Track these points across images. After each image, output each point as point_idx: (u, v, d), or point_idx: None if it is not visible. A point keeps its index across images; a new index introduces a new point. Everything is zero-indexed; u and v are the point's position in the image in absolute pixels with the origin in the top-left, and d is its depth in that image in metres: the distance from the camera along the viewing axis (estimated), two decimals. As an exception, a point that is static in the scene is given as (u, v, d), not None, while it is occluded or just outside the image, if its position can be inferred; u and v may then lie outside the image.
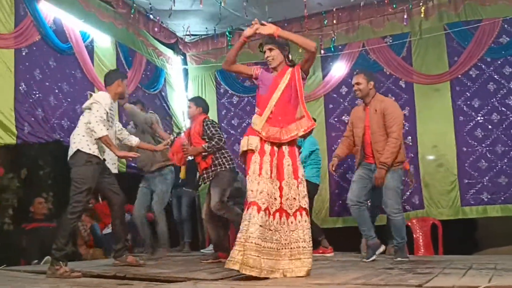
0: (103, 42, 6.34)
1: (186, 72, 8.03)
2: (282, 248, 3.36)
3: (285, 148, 3.52)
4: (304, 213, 3.44)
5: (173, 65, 7.83)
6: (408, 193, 6.41)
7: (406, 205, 6.42)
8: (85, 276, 3.71)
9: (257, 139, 3.47)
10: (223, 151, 4.93)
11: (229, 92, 7.73)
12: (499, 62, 6.22)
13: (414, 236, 5.99)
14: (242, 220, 3.31)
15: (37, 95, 5.22)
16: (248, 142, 3.49)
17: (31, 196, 5.71)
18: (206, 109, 5.17)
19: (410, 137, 6.51)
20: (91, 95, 4.08)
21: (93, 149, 3.93)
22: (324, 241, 5.55)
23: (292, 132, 3.50)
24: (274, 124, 3.50)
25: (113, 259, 4.38)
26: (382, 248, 4.68)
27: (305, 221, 3.43)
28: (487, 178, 6.13)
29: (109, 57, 6.42)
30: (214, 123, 5.00)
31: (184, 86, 7.98)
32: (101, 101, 3.97)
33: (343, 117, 6.83)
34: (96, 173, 3.95)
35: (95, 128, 3.88)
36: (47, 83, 5.38)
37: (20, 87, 5.05)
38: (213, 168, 4.85)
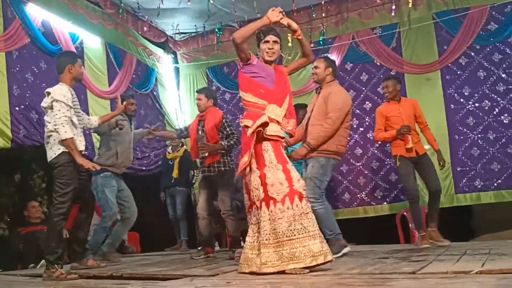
0: (93, 43, 6.33)
1: (177, 70, 8.02)
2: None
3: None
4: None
5: (163, 64, 7.81)
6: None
7: (401, 194, 6.45)
8: (82, 277, 3.71)
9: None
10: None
11: (221, 89, 7.73)
12: (488, 49, 6.25)
13: (410, 225, 6.01)
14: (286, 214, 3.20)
15: (31, 98, 5.21)
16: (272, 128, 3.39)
17: (26, 200, 5.70)
18: (216, 101, 5.20)
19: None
20: (48, 93, 3.89)
21: None
22: None
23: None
24: (287, 117, 3.53)
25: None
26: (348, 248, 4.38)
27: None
28: (479, 165, 6.17)
29: (99, 58, 6.41)
30: (232, 121, 5.04)
31: (175, 84, 7.98)
32: (60, 99, 3.80)
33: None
34: (78, 171, 3.87)
35: (59, 129, 3.75)
36: (40, 86, 5.36)
37: (14, 91, 5.04)
38: (218, 165, 4.88)
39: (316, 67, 4.47)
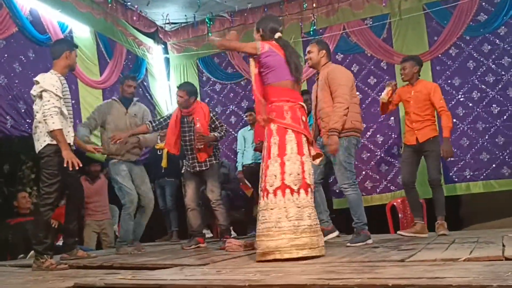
0: (82, 32, 6.27)
1: (167, 61, 7.97)
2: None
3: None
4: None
5: (154, 54, 7.76)
6: (392, 173, 6.49)
7: (391, 185, 6.49)
8: (72, 267, 3.71)
9: None
10: (218, 144, 5.18)
11: (212, 79, 7.70)
12: (478, 40, 6.27)
13: (400, 215, 6.06)
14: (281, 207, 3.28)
15: (18, 88, 5.15)
16: None
17: (15, 191, 5.67)
18: (197, 95, 5.24)
19: (392, 118, 6.56)
20: (37, 81, 3.81)
21: None
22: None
23: None
24: None
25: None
26: (336, 233, 4.56)
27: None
28: (469, 155, 6.21)
29: (89, 47, 6.35)
30: (217, 114, 5.32)
31: (166, 75, 7.93)
32: (50, 88, 3.72)
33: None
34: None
35: (47, 120, 3.67)
36: (28, 75, 5.30)
37: (0, 81, 4.98)
38: (210, 158, 4.99)
39: (309, 52, 4.44)
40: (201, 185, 5.22)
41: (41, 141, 3.78)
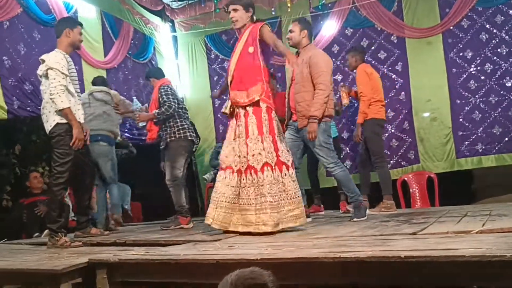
0: (88, 12, 6.22)
1: (175, 39, 7.92)
2: (251, 204, 3.48)
3: (249, 109, 3.60)
4: (269, 168, 3.49)
5: (161, 32, 7.72)
6: (403, 148, 6.46)
7: (402, 160, 6.46)
8: (85, 245, 3.75)
9: (229, 102, 3.73)
10: (177, 120, 4.82)
11: (220, 57, 7.65)
12: (490, 11, 6.15)
13: (411, 190, 6.05)
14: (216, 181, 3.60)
15: (24, 69, 5.15)
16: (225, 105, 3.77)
17: (27, 171, 5.72)
18: (161, 74, 5.18)
19: (403, 93, 6.49)
20: (43, 60, 3.80)
21: None
22: (318, 200, 5.62)
23: (252, 94, 3.59)
24: (239, 88, 3.64)
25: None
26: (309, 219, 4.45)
27: (271, 176, 3.49)
28: (481, 129, 6.15)
29: (94, 27, 6.32)
30: (168, 89, 4.84)
31: (174, 53, 7.89)
32: (55, 66, 3.71)
33: (336, 76, 6.77)
34: None
35: (55, 99, 3.68)
36: (33, 57, 5.29)
37: (4, 62, 4.98)
38: (166, 136, 4.84)
39: (291, 31, 4.39)
40: None
41: (50, 121, 3.78)
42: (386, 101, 6.52)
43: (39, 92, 5.20)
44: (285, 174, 3.55)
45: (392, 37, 6.61)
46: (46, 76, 3.77)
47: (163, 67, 7.51)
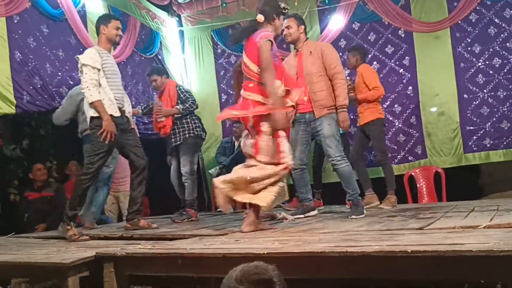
0: (95, 6, 6.21)
1: (182, 33, 7.90)
2: None
3: None
4: None
5: (168, 27, 7.69)
6: (410, 143, 6.43)
7: (409, 155, 6.44)
8: (93, 238, 3.78)
9: None
10: (193, 117, 5.16)
11: (227, 52, 7.63)
12: (499, 4, 6.08)
13: (418, 185, 6.03)
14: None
15: (33, 63, 5.16)
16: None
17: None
18: (168, 74, 5.43)
19: (411, 87, 6.46)
20: (78, 58, 3.93)
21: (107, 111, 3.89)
22: (318, 195, 5.67)
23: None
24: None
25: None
26: (315, 212, 4.54)
27: None
28: (489, 124, 6.11)
29: (102, 22, 6.31)
30: (186, 88, 5.24)
31: (180, 48, 7.88)
32: (87, 62, 3.83)
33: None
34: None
35: (85, 93, 3.82)
36: (42, 51, 5.31)
37: (16, 56, 5.00)
38: (180, 133, 5.04)
39: (288, 27, 4.33)
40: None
41: (87, 116, 3.94)
42: (393, 96, 6.54)
43: (48, 87, 5.30)
44: None
45: (400, 31, 6.56)
46: (82, 73, 3.89)
47: (169, 61, 7.55)
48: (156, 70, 5.45)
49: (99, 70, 3.87)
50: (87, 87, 3.80)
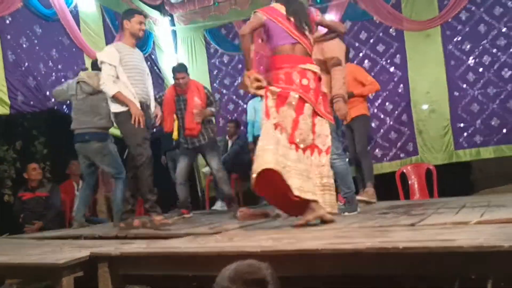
0: (87, 6, 6.20)
1: (174, 33, 7.90)
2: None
3: None
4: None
5: (160, 27, 7.68)
6: (402, 140, 6.49)
7: (401, 152, 6.49)
8: (87, 238, 3.78)
9: None
10: (213, 118, 5.46)
11: (219, 51, 7.65)
12: (489, 2, 6.14)
13: (410, 182, 6.07)
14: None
15: (27, 64, 5.16)
16: None
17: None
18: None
19: (402, 85, 6.51)
20: (97, 58, 4.05)
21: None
22: None
23: None
24: None
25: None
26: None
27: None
28: (479, 120, 6.17)
29: (95, 21, 6.30)
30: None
31: (173, 47, 7.88)
32: (104, 59, 3.92)
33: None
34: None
35: (104, 89, 3.94)
36: (36, 51, 5.31)
37: (9, 56, 4.99)
38: (208, 133, 5.23)
39: None
40: (193, 161, 5.67)
41: (111, 112, 4.05)
42: (385, 94, 6.59)
43: (42, 87, 5.29)
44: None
45: (391, 29, 6.61)
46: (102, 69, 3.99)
47: (162, 61, 7.55)
48: (185, 67, 5.50)
49: (115, 66, 3.92)
50: (104, 83, 3.91)
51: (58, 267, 2.55)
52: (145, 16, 4.25)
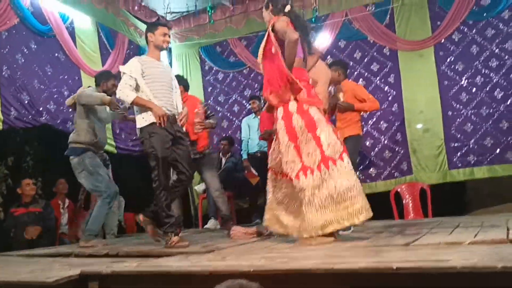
0: (83, 23, 6.26)
1: (169, 50, 7.93)
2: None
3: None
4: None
5: (156, 44, 7.71)
6: (396, 160, 6.50)
7: (395, 171, 6.50)
8: (77, 256, 3.73)
9: None
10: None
11: (214, 68, 7.69)
12: (481, 24, 6.23)
13: (404, 201, 6.06)
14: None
15: (21, 80, 5.16)
16: None
17: (20, 182, 5.66)
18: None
19: (396, 104, 6.55)
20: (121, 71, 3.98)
21: (150, 119, 3.81)
22: None
23: None
24: None
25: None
26: None
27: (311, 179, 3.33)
28: (473, 140, 6.20)
29: (90, 38, 6.35)
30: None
31: (168, 64, 7.89)
32: (126, 71, 3.85)
33: (329, 88, 6.79)
34: (165, 141, 3.81)
35: (121, 96, 3.82)
36: (31, 67, 5.32)
37: (4, 72, 4.99)
38: (206, 147, 5.17)
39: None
40: None
41: (137, 125, 3.91)
42: (379, 113, 6.62)
43: (36, 103, 5.28)
44: (332, 170, 3.25)
45: (385, 49, 6.68)
46: None
47: (157, 78, 7.55)
48: (182, 81, 5.31)
49: (136, 78, 3.83)
50: (120, 89, 3.81)
51: (48, 286, 2.50)
52: (169, 27, 4.14)
